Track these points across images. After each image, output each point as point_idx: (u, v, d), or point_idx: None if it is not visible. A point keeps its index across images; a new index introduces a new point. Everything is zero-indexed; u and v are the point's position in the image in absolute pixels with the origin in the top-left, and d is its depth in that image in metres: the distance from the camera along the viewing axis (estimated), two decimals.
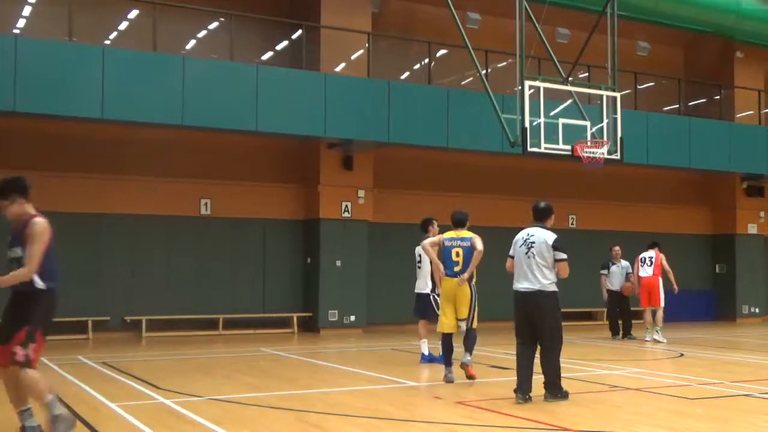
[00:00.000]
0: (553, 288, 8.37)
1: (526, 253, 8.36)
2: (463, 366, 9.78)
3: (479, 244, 9.74)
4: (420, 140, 16.95)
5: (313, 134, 16.17)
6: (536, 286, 8.30)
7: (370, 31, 17.89)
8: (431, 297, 11.56)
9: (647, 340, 15.53)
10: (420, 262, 11.77)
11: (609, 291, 16.66)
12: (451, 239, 9.92)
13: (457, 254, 9.78)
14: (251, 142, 17.38)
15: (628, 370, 11.27)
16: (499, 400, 8.90)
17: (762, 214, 22.54)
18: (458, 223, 10.01)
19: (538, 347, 8.50)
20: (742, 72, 22.63)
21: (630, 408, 8.42)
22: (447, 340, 9.97)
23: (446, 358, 9.96)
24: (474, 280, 9.92)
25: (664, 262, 15.69)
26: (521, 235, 8.57)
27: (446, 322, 9.90)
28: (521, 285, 8.42)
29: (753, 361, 12.94)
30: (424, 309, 11.70)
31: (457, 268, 9.77)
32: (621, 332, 16.49)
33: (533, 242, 8.38)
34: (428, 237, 11.64)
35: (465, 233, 9.94)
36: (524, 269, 8.39)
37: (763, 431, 7.41)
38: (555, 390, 8.48)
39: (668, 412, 8.19)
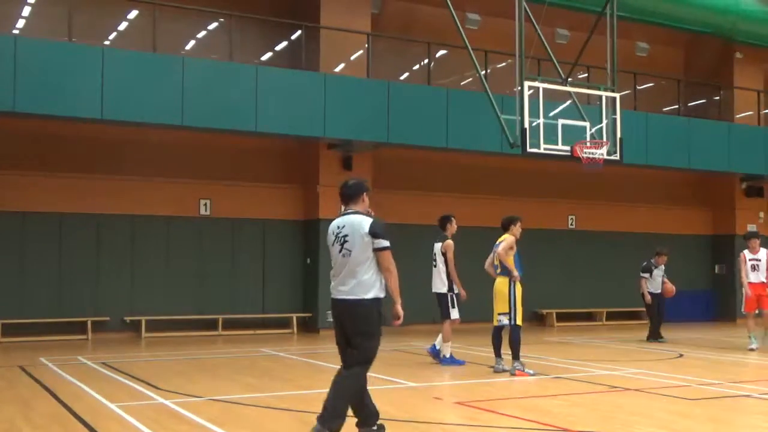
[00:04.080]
0: (377, 293, 6.34)
1: (340, 252, 6.40)
2: (512, 373, 10.61)
3: (501, 246, 10.66)
4: (419, 141, 16.96)
5: (312, 135, 16.17)
6: (355, 294, 6.32)
7: (370, 31, 17.89)
8: (448, 296, 11.61)
9: (753, 348, 14.06)
10: (435, 261, 11.78)
11: (651, 294, 16.20)
12: (495, 244, 10.92)
13: (496, 259, 10.79)
14: (251, 142, 17.38)
15: (628, 371, 11.27)
16: (498, 400, 8.95)
17: (761, 214, 22.57)
18: (501, 228, 11.04)
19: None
20: (742, 72, 22.64)
21: (629, 408, 8.41)
22: (494, 332, 11.00)
23: (495, 350, 11.01)
24: (515, 278, 10.68)
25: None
26: (331, 229, 6.55)
27: (493, 316, 10.90)
28: (337, 292, 6.46)
29: (752, 362, 12.95)
30: (440, 307, 11.73)
31: (498, 270, 10.80)
32: (652, 333, 16.08)
33: (346, 236, 6.37)
34: (445, 235, 11.66)
35: (502, 237, 10.88)
36: (341, 272, 6.42)
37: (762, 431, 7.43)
38: (333, 426, 6.15)
39: (667, 412, 8.19)
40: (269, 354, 13.52)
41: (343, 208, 6.63)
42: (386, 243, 6.34)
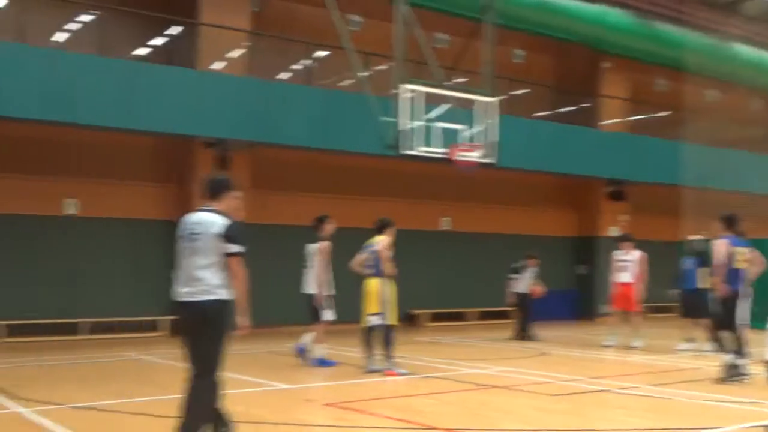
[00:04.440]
0: (223, 295, 5.97)
1: (188, 250, 6.06)
2: (383, 372, 10.76)
3: (381, 245, 10.87)
4: (299, 141, 16.88)
5: (188, 133, 15.86)
6: (200, 295, 5.93)
7: (250, 29, 17.71)
8: (321, 298, 11.63)
9: (610, 345, 14.89)
10: (309, 262, 11.79)
11: (517, 293, 16.68)
12: (366, 245, 11.13)
13: (370, 260, 10.94)
14: (124, 139, 16.85)
15: (496, 369, 11.62)
16: (369, 400, 9.05)
17: (623, 217, 23.62)
18: (375, 230, 11.23)
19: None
20: (609, 81, 23.70)
21: (495, 405, 8.69)
22: (364, 333, 11.10)
23: (366, 351, 11.08)
24: (389, 278, 10.90)
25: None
26: (184, 224, 6.20)
27: (363, 317, 10.99)
28: (180, 293, 6.05)
29: (610, 359, 13.59)
30: (312, 309, 11.70)
31: (369, 271, 10.95)
32: (518, 332, 16.57)
33: (198, 234, 6.03)
34: (321, 236, 11.65)
35: (376, 239, 11.06)
36: (185, 272, 6.06)
37: (620, 425, 7.80)
38: None
39: (531, 408, 8.51)
40: (137, 358, 13.16)
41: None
42: (239, 248, 5.97)
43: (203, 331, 5.95)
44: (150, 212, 17.56)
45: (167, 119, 15.37)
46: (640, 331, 14.79)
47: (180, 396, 6.06)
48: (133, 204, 17.34)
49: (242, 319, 6.10)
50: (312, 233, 11.82)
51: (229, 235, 5.98)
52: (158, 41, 18.19)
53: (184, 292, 6.01)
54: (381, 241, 10.95)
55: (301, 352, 11.80)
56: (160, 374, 11.40)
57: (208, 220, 6.05)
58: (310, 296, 11.66)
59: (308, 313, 11.71)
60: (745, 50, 23.87)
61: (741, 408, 8.56)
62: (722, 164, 20.87)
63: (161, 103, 15.24)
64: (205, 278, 5.93)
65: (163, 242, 17.60)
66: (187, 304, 5.98)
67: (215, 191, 6.24)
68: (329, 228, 11.72)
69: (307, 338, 11.82)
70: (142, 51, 18.13)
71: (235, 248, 5.97)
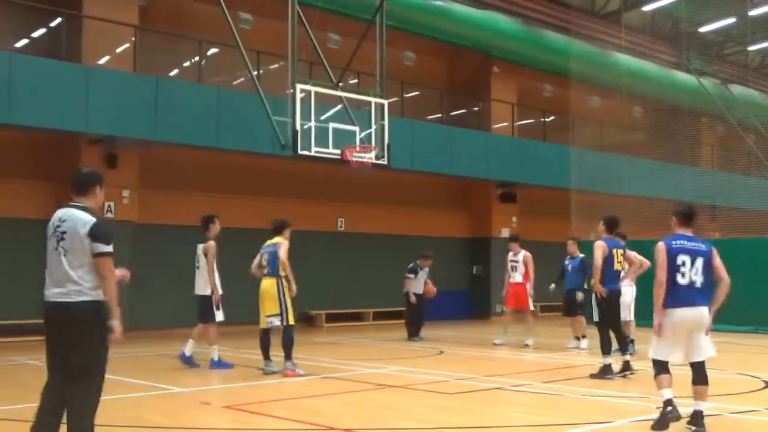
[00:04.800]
0: (96, 296, 5.62)
1: (56, 249, 5.71)
2: (282, 373, 10.64)
3: (282, 251, 10.69)
4: (189, 139, 16.52)
5: (73, 129, 15.26)
6: (70, 297, 5.59)
7: (137, 24, 17.19)
8: (212, 299, 11.36)
9: (500, 343, 15.23)
10: (198, 262, 11.49)
11: (415, 294, 16.74)
12: (264, 246, 11.00)
13: (266, 260, 10.83)
14: (4, 135, 16.04)
15: (393, 368, 11.67)
16: (267, 402, 8.92)
17: (514, 218, 24.27)
18: (272, 231, 11.11)
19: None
20: (498, 86, 24.28)
21: (392, 405, 8.71)
22: (261, 334, 10.94)
23: (263, 352, 10.94)
24: (287, 279, 10.75)
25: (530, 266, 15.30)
26: (52, 221, 5.84)
27: (261, 318, 10.84)
28: (51, 294, 5.69)
29: (504, 357, 13.88)
30: (203, 310, 11.46)
31: (265, 271, 10.85)
32: (415, 332, 16.65)
33: (64, 232, 5.69)
34: (208, 237, 11.39)
35: (275, 240, 10.91)
36: (56, 272, 5.70)
37: (514, 421, 7.94)
38: None
39: (428, 407, 8.57)
40: (25, 363, 12.52)
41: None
42: (106, 248, 5.60)
43: (78, 335, 5.55)
44: (31, 211, 16.74)
45: (50, 114, 14.76)
46: (533, 329, 15.17)
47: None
48: (14, 202, 16.53)
49: (114, 323, 5.65)
50: (202, 234, 11.60)
51: (95, 234, 5.60)
52: (39, 33, 17.41)
53: (55, 293, 5.64)
54: (279, 243, 10.82)
55: (186, 360, 11.49)
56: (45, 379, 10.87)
57: (78, 217, 5.68)
58: (201, 297, 11.43)
59: (198, 314, 11.48)
60: (626, 59, 24.93)
61: (629, 403, 8.87)
62: (606, 168, 21.70)
63: (43, 97, 14.62)
64: (77, 278, 5.58)
65: (45, 242, 16.86)
66: (59, 306, 5.60)
67: (84, 186, 5.86)
68: (215, 228, 11.53)
69: (191, 344, 11.55)
70: (22, 43, 17.32)
71: (103, 248, 5.60)
